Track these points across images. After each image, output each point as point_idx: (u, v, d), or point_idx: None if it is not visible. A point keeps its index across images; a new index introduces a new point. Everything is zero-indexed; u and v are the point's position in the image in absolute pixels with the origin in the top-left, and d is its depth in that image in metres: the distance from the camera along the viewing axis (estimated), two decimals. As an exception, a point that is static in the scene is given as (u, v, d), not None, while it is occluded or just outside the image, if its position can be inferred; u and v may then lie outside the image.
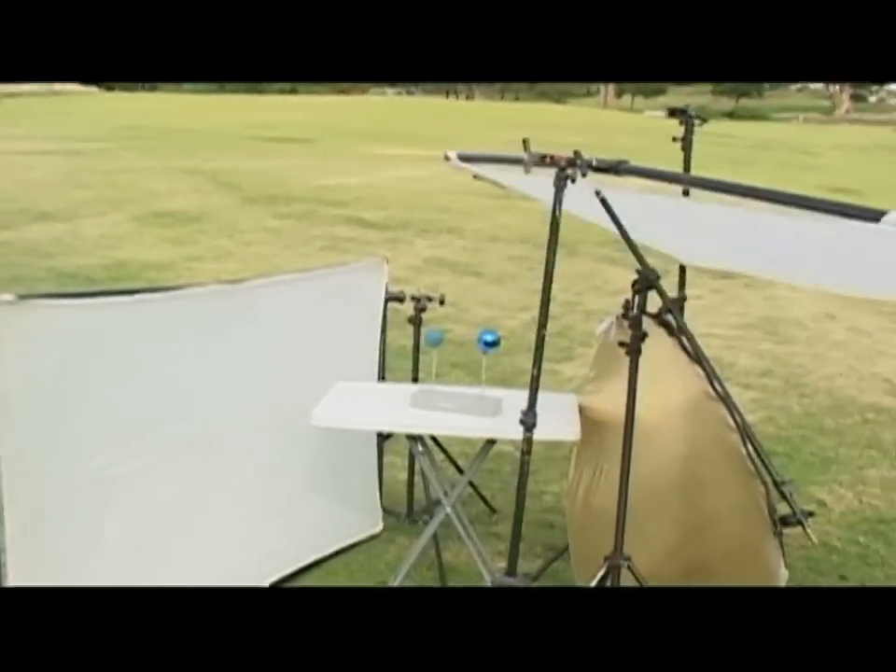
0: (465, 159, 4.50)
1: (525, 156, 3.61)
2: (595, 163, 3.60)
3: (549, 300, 3.82)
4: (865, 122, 64.81)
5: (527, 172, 3.61)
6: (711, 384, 4.10)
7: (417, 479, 5.74)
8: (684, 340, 4.30)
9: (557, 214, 3.67)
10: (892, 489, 6.76)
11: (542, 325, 3.82)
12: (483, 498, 5.87)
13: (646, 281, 3.86)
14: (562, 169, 3.58)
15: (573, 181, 3.59)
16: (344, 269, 5.46)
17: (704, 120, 4.91)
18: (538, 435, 3.89)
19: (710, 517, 4.32)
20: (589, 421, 4.60)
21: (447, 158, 4.48)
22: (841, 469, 7.06)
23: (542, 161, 3.61)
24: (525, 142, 3.63)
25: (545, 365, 8.74)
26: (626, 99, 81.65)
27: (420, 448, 4.77)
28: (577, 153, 3.58)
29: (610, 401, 4.28)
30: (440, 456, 5.68)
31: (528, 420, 3.89)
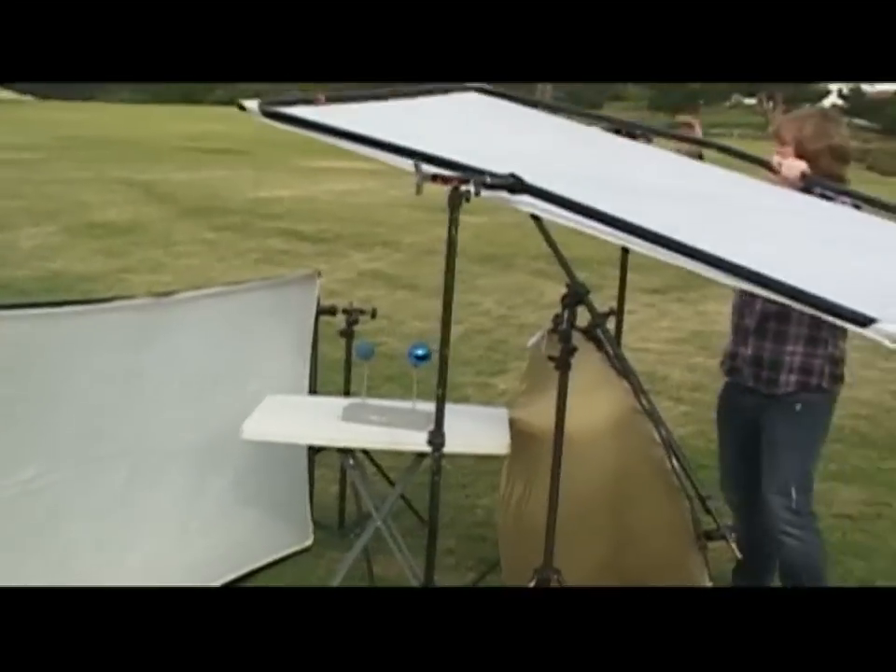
0: (270, 115, 4.26)
1: (416, 178, 3.53)
2: (489, 181, 3.54)
3: (450, 320, 3.80)
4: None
5: (419, 193, 3.55)
6: (638, 398, 4.13)
7: (349, 492, 5.73)
8: (612, 354, 4.33)
9: (454, 233, 3.63)
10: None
11: (444, 344, 3.78)
12: (415, 512, 5.86)
13: (575, 296, 3.87)
14: (455, 188, 3.52)
15: (468, 200, 3.54)
16: (275, 282, 5.44)
17: (649, 140, 4.99)
18: (465, 448, 3.89)
19: (637, 532, 4.34)
20: (520, 434, 4.60)
21: (241, 107, 4.25)
22: (770, 481, 7.10)
23: (434, 179, 3.54)
24: (416, 163, 3.56)
25: (478, 378, 8.91)
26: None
27: (351, 462, 4.76)
28: (472, 170, 3.54)
29: (541, 415, 4.28)
30: (372, 469, 5.67)
31: (436, 440, 3.88)
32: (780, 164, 4.67)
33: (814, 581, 4.68)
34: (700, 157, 5.00)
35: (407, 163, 3.72)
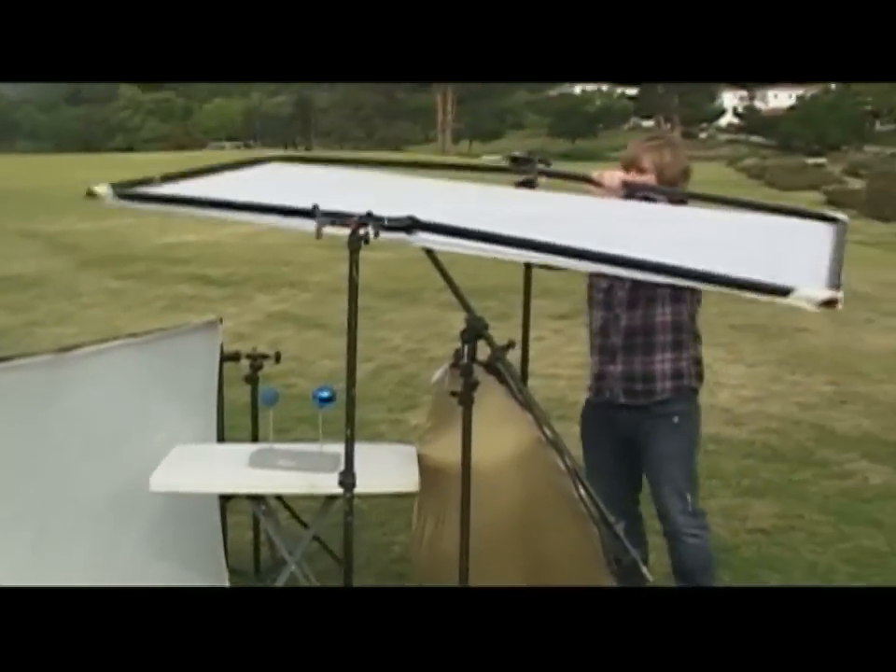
0: (126, 196, 4.22)
1: (314, 222, 3.57)
2: (387, 223, 3.57)
3: (355, 362, 3.81)
4: (696, 159, 66.17)
5: (319, 237, 3.58)
6: (542, 429, 4.17)
7: (264, 537, 5.71)
8: (514, 387, 4.37)
9: (355, 275, 3.66)
10: (734, 517, 6.91)
11: (351, 384, 3.80)
12: (331, 553, 5.85)
13: (473, 330, 3.91)
14: (354, 231, 3.55)
15: (366, 242, 3.58)
16: (177, 331, 5.42)
17: (549, 175, 5.07)
18: (376, 488, 3.91)
19: (549, 559, 4.39)
20: (429, 471, 4.63)
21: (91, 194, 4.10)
22: (684, 501, 7.18)
23: (333, 223, 3.57)
24: (314, 206, 3.59)
25: (390, 415, 8.91)
26: (464, 144, 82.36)
27: (262, 508, 4.75)
28: (369, 213, 3.57)
29: (448, 450, 4.31)
30: (286, 513, 5.66)
31: (346, 480, 3.89)
32: (602, 176, 4.85)
33: (710, 576, 4.97)
34: (533, 185, 5.08)
35: (289, 222, 3.81)
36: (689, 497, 4.84)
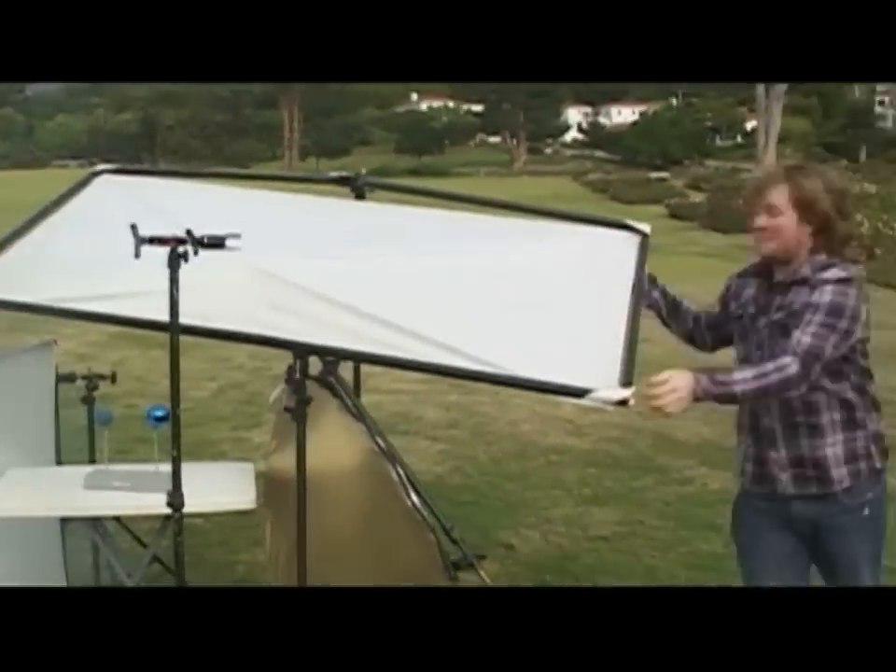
0: None
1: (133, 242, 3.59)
2: (206, 240, 3.61)
3: (178, 379, 3.82)
4: (542, 174, 67.26)
5: (137, 256, 3.59)
6: (374, 440, 4.21)
7: (103, 560, 5.63)
8: (346, 400, 4.41)
9: (175, 294, 3.66)
10: (576, 526, 7.03)
11: (175, 405, 3.80)
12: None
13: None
14: (173, 249, 3.57)
15: (186, 260, 3.60)
16: (10, 353, 5.35)
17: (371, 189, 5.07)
18: (207, 507, 3.90)
19: (391, 566, 4.43)
20: (276, 489, 4.62)
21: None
22: (527, 511, 7.29)
23: (151, 242, 3.60)
24: (133, 226, 3.61)
25: (233, 433, 8.85)
26: (311, 161, 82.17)
27: (99, 530, 4.70)
28: (188, 231, 3.60)
29: (293, 468, 4.32)
30: (127, 535, 5.59)
31: (175, 500, 3.89)
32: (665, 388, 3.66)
33: None
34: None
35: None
36: None
